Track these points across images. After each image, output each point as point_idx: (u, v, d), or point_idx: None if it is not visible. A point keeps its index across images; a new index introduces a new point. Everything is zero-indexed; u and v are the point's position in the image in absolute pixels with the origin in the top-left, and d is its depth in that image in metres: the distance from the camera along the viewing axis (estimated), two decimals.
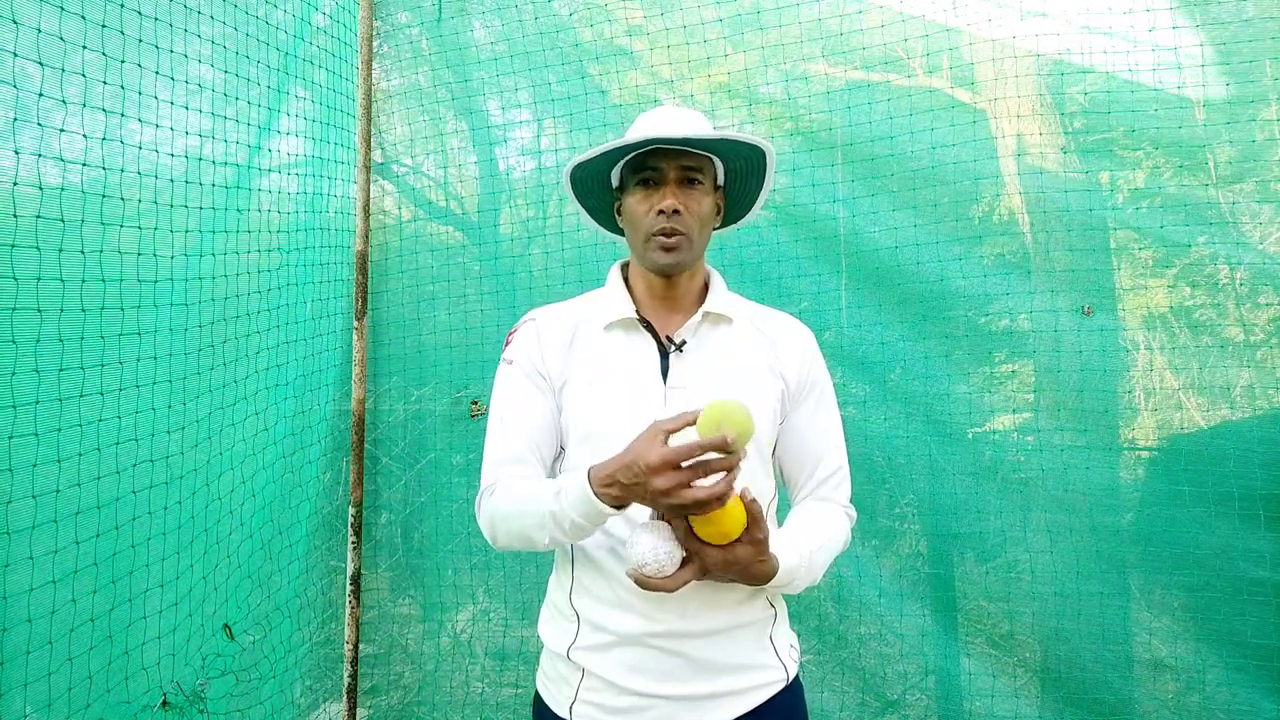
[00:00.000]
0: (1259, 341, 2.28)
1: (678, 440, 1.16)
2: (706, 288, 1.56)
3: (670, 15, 2.72)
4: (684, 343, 1.47)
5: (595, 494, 1.22)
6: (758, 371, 1.49)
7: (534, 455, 1.46)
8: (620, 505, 1.23)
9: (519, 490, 1.38)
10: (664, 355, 1.46)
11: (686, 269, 1.48)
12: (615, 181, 1.57)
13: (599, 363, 1.46)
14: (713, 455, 1.15)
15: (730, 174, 1.56)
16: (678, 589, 1.25)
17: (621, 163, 1.52)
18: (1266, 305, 2.28)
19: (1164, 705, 2.34)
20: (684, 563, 1.26)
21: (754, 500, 1.24)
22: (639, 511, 1.33)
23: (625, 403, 1.42)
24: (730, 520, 1.21)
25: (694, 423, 1.16)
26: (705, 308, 1.49)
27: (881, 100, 2.55)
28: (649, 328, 1.49)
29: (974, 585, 2.53)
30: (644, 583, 1.24)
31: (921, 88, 2.55)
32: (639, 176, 1.45)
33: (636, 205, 1.46)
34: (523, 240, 2.88)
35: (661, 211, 1.42)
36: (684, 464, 1.15)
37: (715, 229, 1.58)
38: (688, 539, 1.24)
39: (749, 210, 1.63)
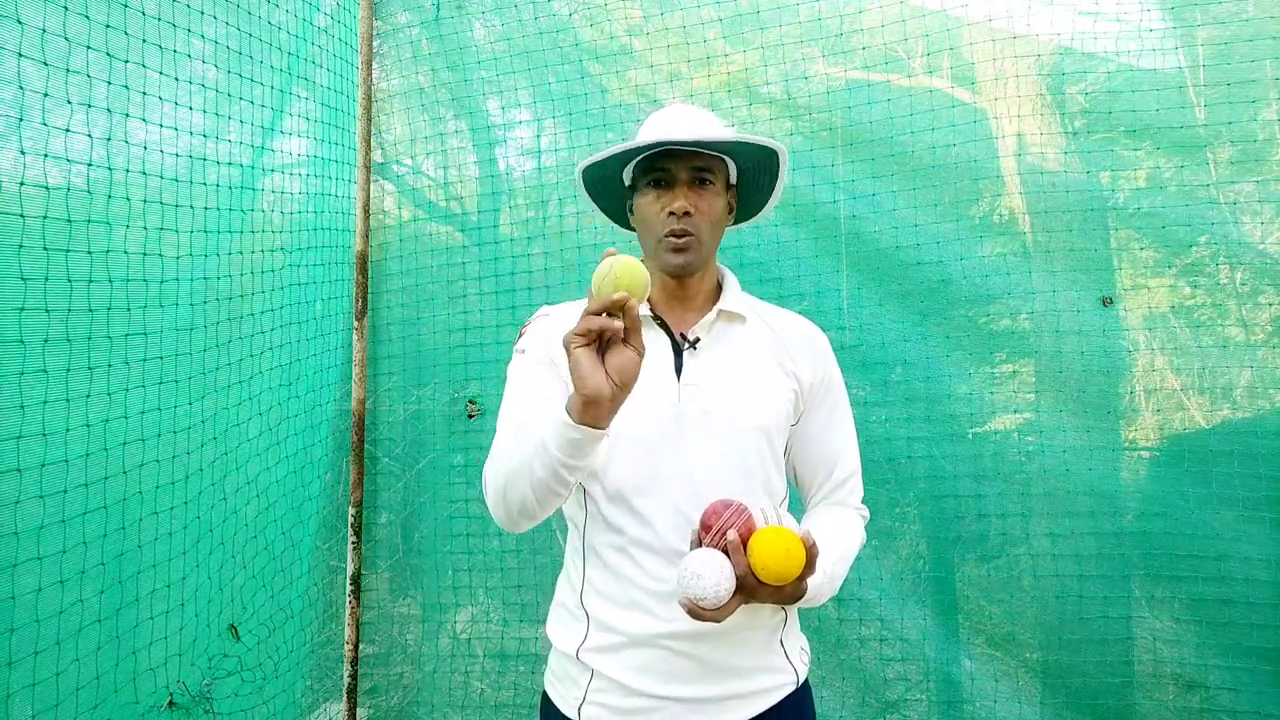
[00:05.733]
0: (1260, 341, 2.29)
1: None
2: (720, 287, 1.56)
3: (670, 14, 2.72)
4: (698, 340, 1.46)
5: (565, 408, 1.22)
6: (770, 370, 1.48)
7: None
8: (587, 420, 1.21)
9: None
10: (678, 353, 1.46)
11: (697, 270, 1.47)
12: (627, 181, 1.57)
13: None
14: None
15: (742, 172, 1.56)
16: (724, 619, 1.25)
17: (633, 163, 1.51)
18: (1267, 305, 2.29)
19: (1165, 707, 2.35)
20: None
21: (814, 544, 1.24)
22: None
23: (639, 399, 1.39)
24: (795, 563, 1.23)
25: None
26: (720, 306, 1.49)
27: (882, 100, 2.56)
28: (663, 325, 1.48)
29: (975, 586, 2.53)
30: (697, 614, 1.23)
31: (921, 87, 2.55)
32: (650, 177, 1.45)
33: (648, 206, 1.46)
34: (523, 240, 2.87)
35: (673, 213, 1.42)
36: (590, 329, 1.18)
37: (728, 226, 1.58)
38: (747, 575, 1.23)
39: (761, 208, 1.62)
